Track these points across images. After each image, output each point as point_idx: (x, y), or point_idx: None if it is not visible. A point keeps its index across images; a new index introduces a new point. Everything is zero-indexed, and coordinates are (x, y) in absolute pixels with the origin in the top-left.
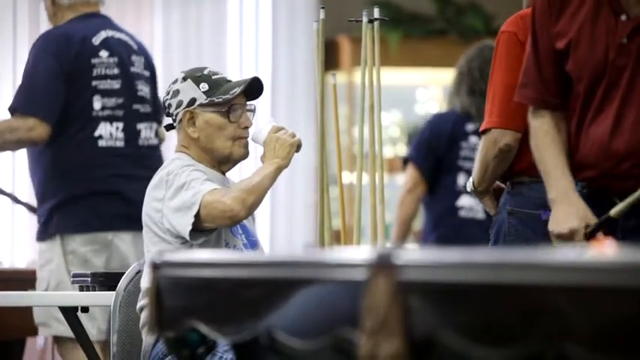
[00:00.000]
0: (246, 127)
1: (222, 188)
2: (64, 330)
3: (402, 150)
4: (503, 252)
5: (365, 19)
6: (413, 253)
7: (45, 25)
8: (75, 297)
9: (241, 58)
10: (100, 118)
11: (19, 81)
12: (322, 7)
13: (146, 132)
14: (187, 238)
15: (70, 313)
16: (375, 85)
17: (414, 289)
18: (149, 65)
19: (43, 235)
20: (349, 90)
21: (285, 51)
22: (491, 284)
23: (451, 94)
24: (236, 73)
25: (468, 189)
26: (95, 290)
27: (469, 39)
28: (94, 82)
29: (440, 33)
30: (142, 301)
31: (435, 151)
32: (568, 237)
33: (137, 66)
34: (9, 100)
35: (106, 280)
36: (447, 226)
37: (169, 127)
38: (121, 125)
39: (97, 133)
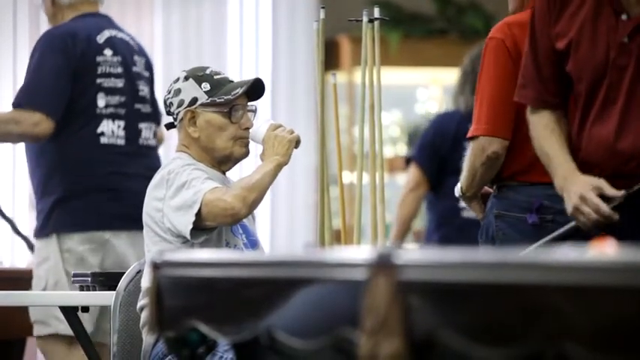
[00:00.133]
0: (247, 128)
1: (223, 187)
2: (64, 328)
3: (403, 150)
4: (504, 252)
5: (365, 19)
6: (413, 253)
7: (45, 26)
8: (75, 297)
9: (241, 58)
10: (103, 115)
11: (19, 81)
12: (322, 7)
13: (146, 132)
14: (188, 237)
15: (70, 312)
16: (375, 84)
17: (414, 289)
18: (149, 66)
19: (40, 232)
20: (349, 90)
21: (285, 51)
22: (492, 284)
23: (455, 94)
24: (236, 72)
25: (457, 194)
26: (95, 290)
27: (469, 39)
28: (99, 80)
29: (440, 33)
30: (142, 301)
31: (439, 151)
32: (581, 207)
33: (139, 66)
34: (9, 100)
35: (107, 280)
36: (450, 226)
37: (170, 126)
38: (122, 123)
39: (99, 130)
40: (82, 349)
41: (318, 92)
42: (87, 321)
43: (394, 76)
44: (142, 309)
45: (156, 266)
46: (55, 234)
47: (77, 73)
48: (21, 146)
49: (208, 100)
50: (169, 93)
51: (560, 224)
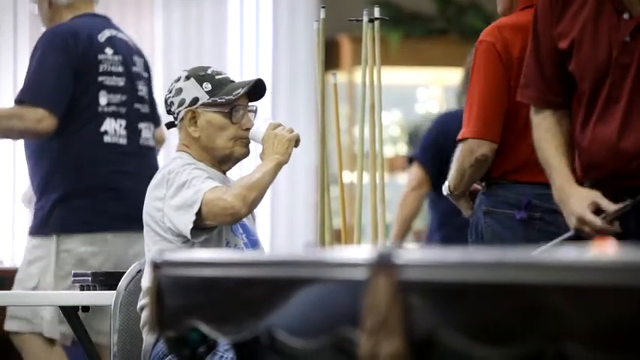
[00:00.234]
0: (248, 129)
1: (223, 186)
2: (47, 329)
3: (403, 149)
4: (504, 252)
5: (365, 19)
6: (413, 253)
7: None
8: (75, 296)
9: (242, 58)
10: (105, 113)
11: (19, 81)
12: (323, 7)
13: (145, 132)
14: (188, 236)
15: (70, 312)
16: (375, 84)
17: (415, 289)
18: (147, 67)
19: (38, 230)
20: (350, 89)
21: (285, 50)
22: (492, 284)
23: (459, 93)
24: (236, 72)
25: (444, 192)
26: (96, 290)
27: (470, 38)
28: (100, 78)
29: (440, 32)
30: (143, 301)
31: (442, 150)
32: (580, 228)
33: (138, 66)
34: (9, 99)
35: (107, 280)
36: (451, 226)
37: (170, 125)
38: (124, 123)
39: (102, 129)
40: (60, 350)
41: (318, 92)
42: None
43: (394, 76)
44: (142, 309)
45: (156, 266)
46: (55, 234)
47: (79, 71)
48: (20, 143)
49: (209, 100)
50: (170, 92)
51: (549, 223)
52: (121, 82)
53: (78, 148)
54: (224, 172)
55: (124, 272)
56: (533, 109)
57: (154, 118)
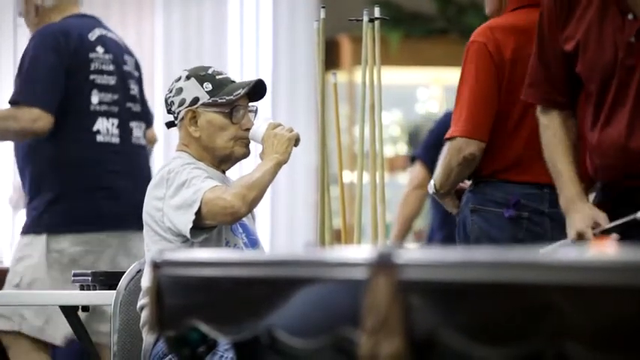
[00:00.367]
0: (248, 129)
1: (223, 185)
2: (27, 329)
3: (403, 149)
4: (504, 251)
5: (365, 19)
6: (413, 253)
7: None
8: (76, 296)
9: (242, 58)
10: (97, 112)
11: None
12: (323, 7)
13: (137, 131)
14: (188, 235)
15: (70, 312)
16: (375, 84)
17: (415, 289)
18: (138, 66)
19: (30, 229)
20: (350, 89)
21: (285, 50)
22: (492, 283)
23: None
24: (237, 72)
25: (430, 191)
26: (96, 289)
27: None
28: (92, 77)
29: (441, 32)
30: (143, 300)
31: None
32: (579, 239)
33: (129, 65)
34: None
35: (107, 280)
36: (453, 225)
37: (170, 125)
38: (116, 122)
39: (95, 128)
40: (45, 350)
41: (318, 92)
42: (65, 323)
43: (394, 76)
44: (142, 308)
45: (156, 265)
46: (47, 233)
47: (70, 69)
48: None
49: (210, 100)
50: (171, 92)
51: (535, 223)
52: (112, 80)
53: (70, 148)
54: (223, 172)
55: (124, 272)
56: (539, 109)
57: (145, 118)
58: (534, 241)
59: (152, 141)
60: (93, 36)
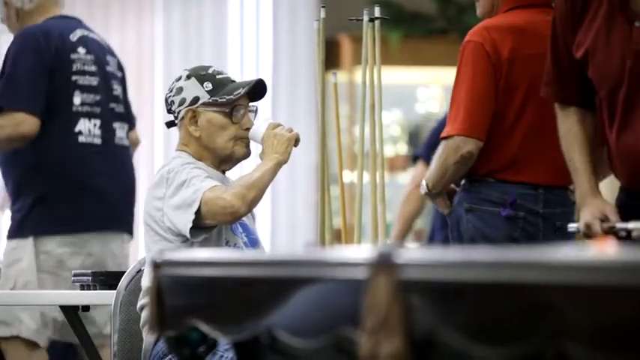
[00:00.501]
0: (248, 129)
1: (223, 185)
2: (26, 331)
3: (403, 149)
4: (504, 251)
5: (366, 18)
6: (414, 252)
7: None
8: (76, 296)
9: (242, 57)
10: (79, 113)
11: None
12: (323, 6)
13: (120, 132)
14: (188, 235)
15: (70, 312)
16: (375, 84)
17: (415, 288)
18: (121, 67)
19: (16, 233)
20: (350, 89)
21: (285, 50)
22: (492, 283)
23: None
24: (237, 72)
25: (422, 191)
26: (96, 289)
27: None
28: (74, 77)
29: (441, 32)
30: (143, 300)
31: None
32: (587, 232)
33: (112, 66)
34: None
35: (107, 280)
36: None
37: (170, 124)
38: (98, 122)
39: (77, 129)
40: (43, 353)
41: (318, 91)
42: (49, 328)
43: (395, 76)
44: (142, 308)
45: (156, 265)
46: (33, 236)
47: (52, 70)
48: None
49: (210, 100)
50: (171, 91)
51: (530, 223)
52: (94, 81)
53: (52, 149)
54: (223, 172)
55: (124, 272)
56: (557, 105)
57: (129, 119)
58: (529, 241)
59: (135, 143)
60: (74, 37)
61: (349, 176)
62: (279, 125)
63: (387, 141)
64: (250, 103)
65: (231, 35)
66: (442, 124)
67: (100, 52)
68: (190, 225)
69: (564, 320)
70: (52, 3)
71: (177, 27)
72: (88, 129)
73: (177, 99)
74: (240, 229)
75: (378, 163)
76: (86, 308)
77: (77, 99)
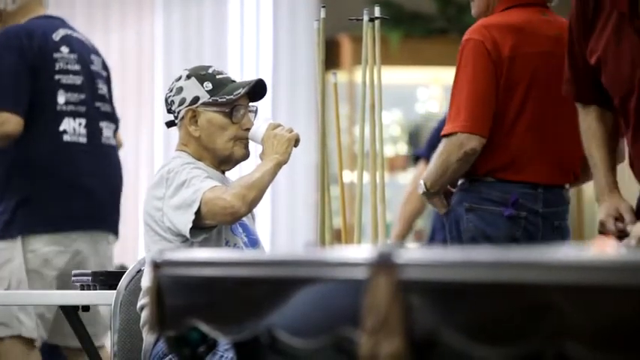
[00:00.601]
0: (248, 129)
1: (223, 185)
2: (26, 331)
3: (403, 149)
4: (504, 251)
5: (366, 18)
6: (414, 252)
7: None
8: (76, 296)
9: (242, 57)
10: (64, 112)
11: None
12: (323, 6)
13: (107, 131)
14: (188, 235)
15: (70, 312)
16: (375, 84)
17: (415, 288)
18: (105, 66)
19: (4, 233)
20: (350, 89)
21: (285, 50)
22: (492, 283)
23: None
24: (237, 72)
25: (420, 191)
26: (96, 289)
27: None
28: (57, 76)
29: (441, 32)
30: (143, 300)
31: None
32: (601, 230)
33: (96, 65)
34: None
35: (107, 279)
36: None
37: (170, 124)
38: (83, 121)
39: (61, 128)
40: (38, 353)
41: (318, 91)
42: (41, 327)
43: (395, 76)
44: (142, 308)
45: (156, 265)
46: (21, 236)
47: (35, 69)
48: None
49: (210, 100)
50: (171, 91)
51: (531, 223)
52: (78, 80)
53: (37, 148)
54: (223, 172)
55: (124, 272)
56: (577, 103)
57: (114, 118)
58: (529, 240)
59: (119, 145)
60: (57, 36)
61: (349, 176)
62: (279, 125)
63: (387, 141)
64: (250, 104)
65: (231, 35)
66: (443, 124)
67: (84, 51)
68: (190, 225)
69: (564, 320)
70: (35, 3)
71: (177, 27)
72: (72, 128)
73: (177, 99)
74: (240, 230)
75: (378, 163)
76: (86, 308)
77: (61, 98)
